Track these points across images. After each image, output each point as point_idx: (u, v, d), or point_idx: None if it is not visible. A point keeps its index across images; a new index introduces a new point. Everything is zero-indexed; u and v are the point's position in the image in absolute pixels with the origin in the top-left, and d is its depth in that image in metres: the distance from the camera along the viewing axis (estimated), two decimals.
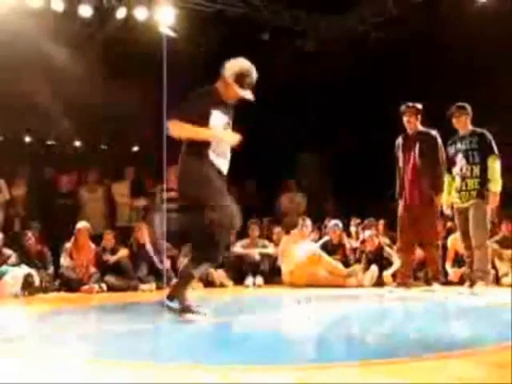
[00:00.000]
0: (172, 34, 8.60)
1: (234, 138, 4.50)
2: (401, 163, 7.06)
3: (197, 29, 9.64)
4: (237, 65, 4.52)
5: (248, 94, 4.53)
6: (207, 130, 4.41)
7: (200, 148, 4.41)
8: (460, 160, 6.68)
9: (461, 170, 6.66)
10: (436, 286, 6.88)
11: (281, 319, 5.05)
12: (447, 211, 6.85)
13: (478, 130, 6.68)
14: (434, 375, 2.67)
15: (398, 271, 7.29)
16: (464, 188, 6.62)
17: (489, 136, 6.60)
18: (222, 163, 4.55)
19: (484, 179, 6.51)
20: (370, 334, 4.11)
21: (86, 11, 9.18)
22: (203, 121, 4.39)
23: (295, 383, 2.62)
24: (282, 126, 11.15)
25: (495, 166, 6.50)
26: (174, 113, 4.44)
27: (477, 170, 6.56)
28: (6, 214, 9.26)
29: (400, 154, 7.07)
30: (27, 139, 12.13)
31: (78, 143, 12.85)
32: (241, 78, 4.47)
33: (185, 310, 4.44)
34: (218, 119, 4.49)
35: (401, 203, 7.07)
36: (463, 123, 6.73)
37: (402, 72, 9.94)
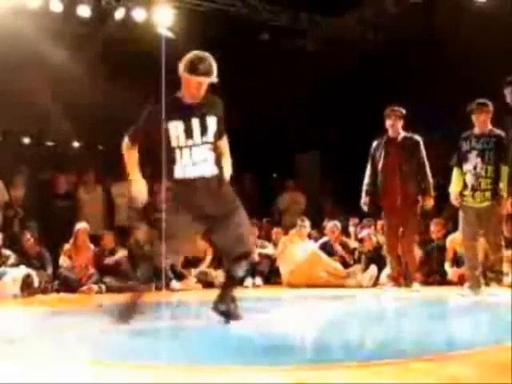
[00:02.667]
0: (170, 34, 8.59)
1: (139, 194, 4.37)
2: (382, 166, 7.11)
3: (195, 29, 9.63)
4: (186, 58, 4.33)
5: (206, 79, 4.29)
6: (133, 174, 4.40)
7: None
8: (474, 158, 6.56)
9: (474, 168, 6.55)
10: (416, 285, 6.98)
11: (279, 319, 5.05)
12: (455, 201, 6.78)
13: (497, 131, 6.58)
14: (432, 376, 2.67)
15: (390, 272, 7.34)
16: (478, 187, 6.54)
17: (505, 138, 6.53)
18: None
19: (496, 180, 6.48)
20: (368, 334, 4.11)
21: (84, 12, 9.19)
22: (159, 135, 4.27)
23: (294, 383, 2.62)
24: (281, 126, 11.16)
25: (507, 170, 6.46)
26: (129, 129, 4.44)
27: (491, 171, 6.49)
28: (4, 214, 9.24)
29: (381, 157, 7.13)
30: (26, 140, 12.12)
31: (76, 144, 12.84)
32: (192, 66, 4.26)
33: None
34: (179, 127, 4.30)
35: (384, 204, 7.19)
36: (483, 121, 6.54)
37: (401, 72, 9.95)
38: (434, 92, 9.01)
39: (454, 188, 6.74)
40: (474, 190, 6.57)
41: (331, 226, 9.06)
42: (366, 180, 7.25)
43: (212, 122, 4.40)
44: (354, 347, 3.58)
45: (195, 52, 4.34)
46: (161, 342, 3.84)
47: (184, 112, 4.33)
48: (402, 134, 7.17)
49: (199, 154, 4.33)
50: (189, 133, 4.31)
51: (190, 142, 4.32)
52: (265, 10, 10.09)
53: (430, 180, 7.02)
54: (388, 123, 7.14)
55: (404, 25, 9.79)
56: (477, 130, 6.61)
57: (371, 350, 3.53)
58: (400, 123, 7.13)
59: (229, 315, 4.39)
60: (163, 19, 8.90)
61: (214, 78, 4.33)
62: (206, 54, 4.33)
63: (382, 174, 7.13)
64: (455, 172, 6.77)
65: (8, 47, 8.62)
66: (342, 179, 10.95)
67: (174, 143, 4.32)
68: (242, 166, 10.97)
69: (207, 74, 4.29)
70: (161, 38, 7.93)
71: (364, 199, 7.25)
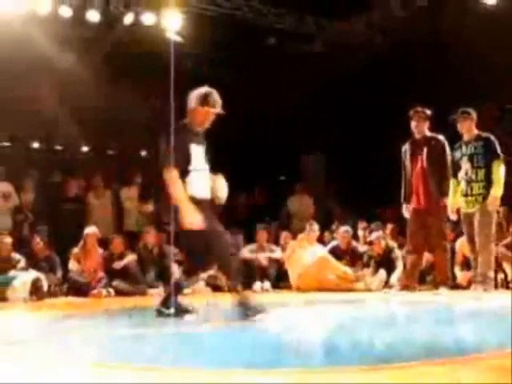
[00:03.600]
0: (179, 38, 8.62)
1: (193, 220, 4.65)
2: (408, 168, 7.08)
3: (203, 33, 9.66)
4: (196, 92, 4.92)
5: (216, 110, 4.92)
6: (183, 198, 4.66)
7: None
8: (465, 164, 6.71)
9: (466, 173, 6.69)
10: (443, 289, 6.88)
11: (287, 323, 5.04)
12: (452, 216, 6.86)
13: (484, 134, 6.71)
14: (443, 380, 2.65)
15: (403, 274, 7.29)
16: (469, 192, 6.65)
17: (494, 140, 6.62)
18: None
19: (489, 183, 6.52)
20: (377, 338, 4.10)
21: (93, 17, 9.24)
22: (186, 157, 4.75)
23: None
24: (288, 128, 11.17)
25: (499, 170, 6.53)
26: (167, 159, 4.68)
27: (482, 174, 6.58)
28: (14, 218, 9.28)
29: (408, 159, 7.09)
30: (35, 145, 12.17)
31: (85, 148, 12.88)
32: (205, 100, 4.87)
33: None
34: (196, 151, 4.83)
35: (409, 207, 7.08)
36: (467, 128, 6.76)
37: (408, 75, 9.94)
38: (440, 95, 8.98)
39: (451, 200, 6.80)
40: (466, 195, 6.65)
41: (343, 230, 9.03)
42: (403, 187, 7.20)
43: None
44: (363, 351, 3.57)
45: (205, 87, 4.95)
46: (167, 346, 3.84)
47: (198, 138, 4.92)
48: (428, 134, 7.11)
49: (206, 178, 4.95)
50: (200, 157, 4.88)
51: (201, 166, 4.88)
52: (270, 14, 10.10)
53: (449, 181, 6.94)
54: (412, 124, 7.09)
55: (411, 28, 9.79)
56: (465, 137, 6.80)
57: (381, 353, 3.52)
58: (425, 124, 7.07)
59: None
60: (171, 24, 8.93)
61: (218, 110, 4.93)
62: (213, 90, 4.94)
63: (408, 176, 7.10)
64: (451, 184, 6.82)
65: (17, 52, 8.68)
66: (350, 183, 10.95)
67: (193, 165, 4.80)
68: (250, 171, 11.08)
69: (216, 105, 4.92)
70: (169, 42, 7.97)
71: (404, 207, 7.17)
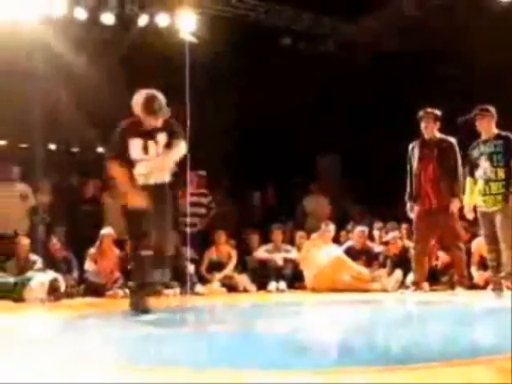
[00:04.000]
0: (194, 40, 8.64)
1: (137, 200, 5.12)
2: (416, 168, 7.06)
3: (218, 34, 9.68)
4: (139, 97, 5.19)
5: (161, 116, 5.19)
6: (126, 185, 5.23)
7: None
8: (483, 163, 6.63)
9: (484, 173, 6.62)
10: (459, 289, 6.85)
11: (303, 324, 5.05)
12: (469, 215, 6.82)
13: (503, 133, 6.63)
14: (459, 381, 2.65)
15: (414, 277, 7.28)
16: (488, 191, 6.58)
17: None
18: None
19: (509, 182, 6.46)
20: (393, 339, 4.09)
21: (108, 19, 9.28)
22: (126, 151, 5.22)
23: None
24: (304, 128, 11.16)
25: None
26: (111, 153, 5.38)
27: (501, 173, 6.51)
28: (31, 220, 9.35)
29: (416, 160, 7.07)
30: (52, 146, 12.24)
31: (101, 149, 12.92)
32: (147, 106, 5.12)
33: None
34: (135, 146, 5.24)
35: (418, 208, 7.07)
36: (486, 126, 6.67)
37: (424, 75, 9.90)
38: (455, 95, 8.94)
39: (468, 200, 6.76)
40: (484, 194, 6.59)
41: (359, 230, 9.01)
42: (408, 184, 7.20)
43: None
44: (379, 351, 3.56)
45: (147, 92, 5.20)
46: (184, 346, 3.86)
47: (146, 133, 5.27)
48: (438, 135, 7.10)
49: (148, 167, 5.44)
50: (143, 151, 5.26)
51: (141, 157, 5.29)
52: (285, 15, 10.10)
53: (461, 183, 6.93)
54: (422, 125, 7.07)
55: (425, 27, 9.74)
56: (483, 136, 6.70)
57: (397, 354, 3.52)
58: (435, 125, 7.05)
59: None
60: (186, 25, 8.96)
61: (164, 115, 5.22)
62: (157, 93, 5.18)
63: (416, 176, 7.08)
64: (468, 183, 6.79)
65: (33, 55, 8.75)
66: (365, 182, 10.92)
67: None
68: (264, 171, 11.08)
69: (160, 110, 5.17)
70: (184, 44, 8.00)
71: (408, 204, 7.18)
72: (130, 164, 5.26)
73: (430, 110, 7.05)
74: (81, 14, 9.08)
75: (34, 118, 9.98)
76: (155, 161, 5.27)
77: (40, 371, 3.05)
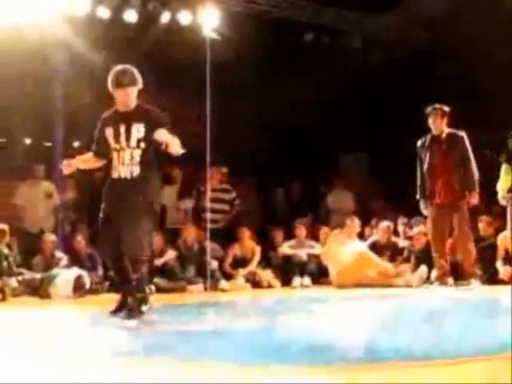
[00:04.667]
0: (216, 36, 8.65)
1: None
2: (427, 164, 7.03)
3: (240, 31, 9.67)
4: (110, 74, 4.84)
5: (129, 90, 4.79)
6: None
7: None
8: None
9: None
10: (474, 282, 6.85)
11: (328, 319, 5.03)
12: (503, 201, 6.73)
13: None
14: (484, 377, 2.62)
15: (436, 271, 7.26)
16: None
17: None
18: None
19: None
20: (418, 334, 4.06)
21: (131, 17, 9.32)
22: (105, 141, 4.95)
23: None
24: (328, 124, 11.11)
25: None
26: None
27: None
28: (56, 217, 9.44)
29: (426, 155, 7.05)
30: (75, 144, 12.33)
31: None
32: (114, 79, 4.79)
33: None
34: (110, 133, 4.90)
35: (431, 204, 7.04)
36: None
37: (450, 71, 9.79)
38: (483, 91, 8.82)
39: (502, 186, 6.66)
40: None
41: (384, 225, 8.97)
42: (418, 182, 7.18)
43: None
44: (405, 347, 3.53)
45: (116, 67, 4.85)
46: (208, 342, 3.86)
47: (123, 119, 4.86)
48: (446, 130, 7.10)
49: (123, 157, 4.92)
50: (116, 137, 4.86)
51: (115, 146, 4.91)
52: (308, 10, 10.06)
53: (475, 176, 6.92)
54: (430, 121, 7.12)
55: (452, 23, 9.62)
56: None
57: (422, 350, 3.48)
58: (443, 121, 7.08)
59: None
60: (208, 22, 8.96)
61: (139, 86, 4.84)
62: (124, 66, 4.83)
63: (427, 172, 7.06)
64: (503, 169, 6.68)
65: (57, 53, 8.82)
66: (390, 178, 10.85)
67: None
68: (288, 166, 11.05)
69: (129, 83, 4.79)
70: (206, 41, 8.01)
71: (422, 204, 7.19)
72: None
73: (437, 105, 7.08)
74: (103, 12, 9.13)
75: (57, 116, 10.06)
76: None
77: (62, 368, 3.07)
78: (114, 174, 4.86)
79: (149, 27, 9.69)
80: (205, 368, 2.94)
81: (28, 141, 11.70)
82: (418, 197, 7.20)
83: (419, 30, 10.42)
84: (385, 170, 11.17)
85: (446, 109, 7.09)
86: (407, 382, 2.58)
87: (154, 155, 4.87)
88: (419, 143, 7.20)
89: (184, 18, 9.47)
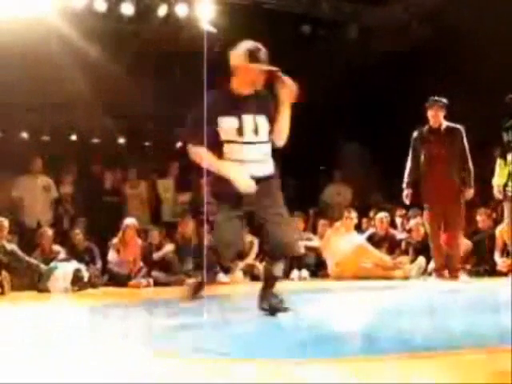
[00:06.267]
0: (213, 29, 8.62)
1: (246, 184, 4.17)
2: (423, 155, 7.03)
3: (237, 23, 9.65)
4: (242, 47, 4.24)
5: (269, 67, 4.23)
6: (221, 165, 4.24)
7: None
8: None
9: None
10: (463, 276, 6.88)
11: (326, 311, 5.04)
12: (498, 195, 6.74)
13: None
14: (485, 369, 2.62)
15: (434, 264, 7.28)
16: None
17: None
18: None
19: None
20: (417, 326, 4.07)
21: (128, 9, 9.29)
22: (213, 135, 4.21)
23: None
24: (325, 116, 11.10)
25: None
26: (188, 135, 4.38)
27: None
28: (54, 211, 9.44)
29: (422, 147, 7.04)
30: (73, 138, 12.31)
31: (122, 140, 12.98)
32: (253, 55, 4.18)
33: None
34: (228, 125, 4.22)
35: (427, 197, 7.08)
36: None
37: (448, 61, 9.77)
38: (481, 81, 8.81)
39: (498, 180, 6.67)
40: None
41: (380, 216, 8.99)
42: (407, 171, 7.18)
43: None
44: (404, 339, 3.54)
45: (250, 42, 4.27)
46: (208, 335, 3.87)
47: (238, 105, 4.25)
48: (444, 124, 7.10)
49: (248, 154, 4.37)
50: (239, 131, 4.22)
51: (235, 138, 4.25)
52: (304, 1, 10.02)
53: (471, 171, 6.93)
54: (429, 113, 7.09)
55: (450, 12, 9.59)
56: None
57: (422, 341, 3.49)
58: (442, 113, 7.07)
59: (274, 310, 4.33)
60: (205, 14, 8.94)
61: (270, 67, 4.26)
62: (259, 44, 4.26)
63: (424, 165, 7.07)
64: (498, 163, 6.68)
65: (53, 46, 8.79)
66: (388, 170, 10.85)
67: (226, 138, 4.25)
68: (285, 158, 11.04)
69: (265, 62, 4.24)
70: (203, 33, 7.98)
71: (406, 191, 7.17)
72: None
73: (437, 98, 7.08)
74: (100, 5, 9.10)
75: (55, 109, 10.05)
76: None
77: (65, 361, 3.08)
78: None
79: (145, 20, 9.65)
80: (203, 363, 2.94)
81: (24, 135, 11.69)
82: (403, 185, 7.18)
83: (417, 21, 10.38)
84: (383, 162, 11.17)
85: (445, 101, 7.09)
86: (408, 373, 2.59)
87: None
88: (415, 134, 7.19)
89: (181, 10, 9.44)
